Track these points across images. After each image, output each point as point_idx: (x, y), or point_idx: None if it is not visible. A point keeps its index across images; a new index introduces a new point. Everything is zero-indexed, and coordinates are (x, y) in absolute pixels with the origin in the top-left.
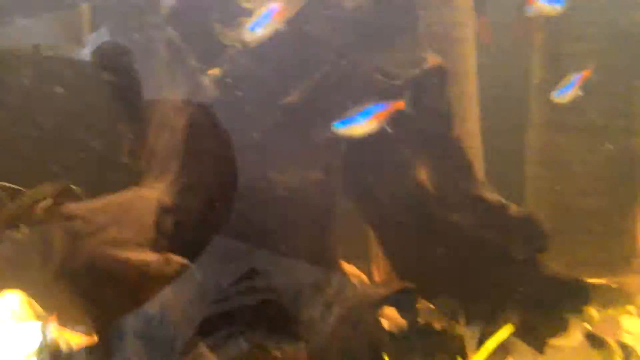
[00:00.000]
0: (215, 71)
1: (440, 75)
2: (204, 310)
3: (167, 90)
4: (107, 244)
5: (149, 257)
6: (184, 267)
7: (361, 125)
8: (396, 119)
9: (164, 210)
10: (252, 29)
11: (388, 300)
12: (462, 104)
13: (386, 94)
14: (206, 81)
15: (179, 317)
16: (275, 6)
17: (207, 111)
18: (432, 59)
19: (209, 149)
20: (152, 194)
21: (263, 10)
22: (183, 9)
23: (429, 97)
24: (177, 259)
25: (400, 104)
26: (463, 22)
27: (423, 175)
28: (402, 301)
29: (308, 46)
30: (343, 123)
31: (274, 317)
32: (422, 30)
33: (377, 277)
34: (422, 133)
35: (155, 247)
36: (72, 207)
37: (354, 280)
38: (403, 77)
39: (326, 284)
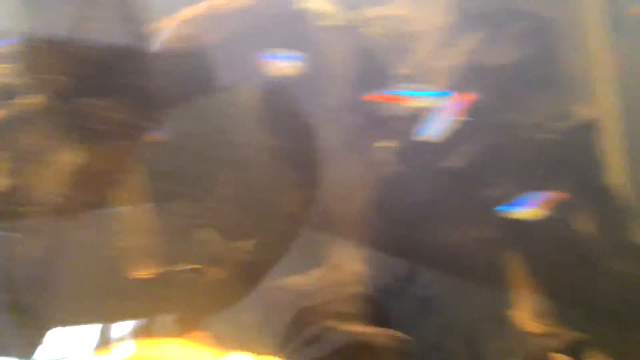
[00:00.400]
0: (384, 143)
1: (591, 124)
2: None
3: (346, 166)
4: (332, 318)
5: (373, 331)
6: (404, 341)
7: (526, 212)
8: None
9: (364, 282)
10: (426, 132)
11: (561, 350)
12: (609, 143)
13: (543, 149)
14: (381, 155)
15: None
16: (450, 104)
17: (384, 186)
18: (581, 110)
19: (385, 220)
20: (352, 267)
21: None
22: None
23: (581, 148)
24: (399, 334)
25: (564, 195)
26: (601, 61)
27: (583, 224)
28: (574, 351)
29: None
30: (508, 207)
31: None
32: (564, 77)
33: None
34: (578, 183)
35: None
36: (294, 280)
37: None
38: (556, 130)
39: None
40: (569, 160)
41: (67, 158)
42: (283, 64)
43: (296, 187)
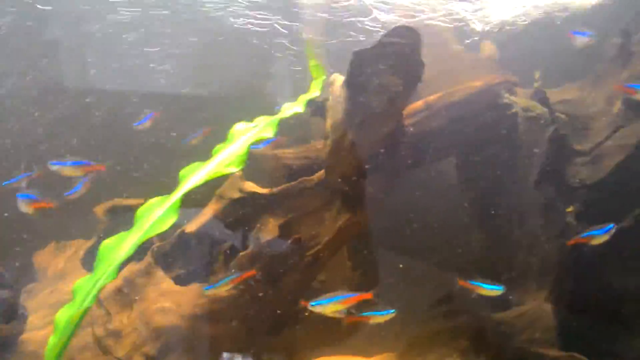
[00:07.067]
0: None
1: None
2: None
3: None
4: (526, 343)
5: (559, 354)
6: None
7: (329, 308)
8: None
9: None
10: None
11: None
12: None
13: None
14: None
15: None
16: None
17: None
18: None
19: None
20: (547, 308)
21: None
22: None
23: None
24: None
25: (368, 295)
26: None
27: None
28: None
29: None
30: (317, 303)
31: None
32: None
33: None
34: None
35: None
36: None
37: None
38: None
39: None
40: None
41: (335, 217)
42: None
43: None
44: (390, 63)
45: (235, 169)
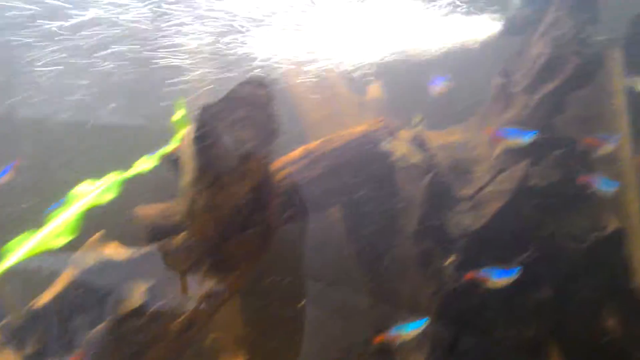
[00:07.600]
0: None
1: (620, 236)
2: None
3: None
4: None
5: None
6: None
7: None
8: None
9: None
10: None
11: None
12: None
13: (575, 257)
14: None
15: None
16: None
17: None
18: (613, 223)
19: None
20: None
21: None
22: None
23: (610, 256)
24: None
25: None
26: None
27: (611, 322)
28: None
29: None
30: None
31: None
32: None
33: None
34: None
35: None
36: None
37: None
38: (589, 240)
39: None
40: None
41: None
42: None
43: None
44: (242, 116)
45: (65, 240)
